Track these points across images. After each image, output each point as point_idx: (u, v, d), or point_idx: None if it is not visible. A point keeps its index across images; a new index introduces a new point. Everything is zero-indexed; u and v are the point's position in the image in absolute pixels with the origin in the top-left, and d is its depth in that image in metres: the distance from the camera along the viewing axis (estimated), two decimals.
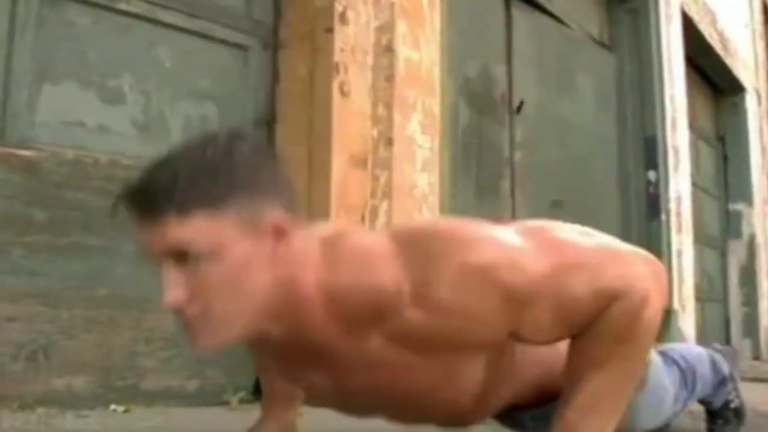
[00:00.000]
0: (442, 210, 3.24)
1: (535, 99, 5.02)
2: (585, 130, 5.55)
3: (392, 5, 3.10)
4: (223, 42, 3.01)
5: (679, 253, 5.88)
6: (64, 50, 2.60)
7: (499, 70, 4.75)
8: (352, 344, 1.26)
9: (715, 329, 8.00)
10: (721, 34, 7.88)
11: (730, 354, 2.43)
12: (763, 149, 9.67)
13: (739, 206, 8.92)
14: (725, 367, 2.23)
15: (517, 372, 1.45)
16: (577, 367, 1.31)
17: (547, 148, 5.08)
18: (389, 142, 2.99)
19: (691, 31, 6.90)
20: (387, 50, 3.07)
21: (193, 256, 1.14)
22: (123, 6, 2.72)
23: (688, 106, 6.72)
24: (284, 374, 1.51)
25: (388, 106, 3.01)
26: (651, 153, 5.87)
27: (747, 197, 8.94)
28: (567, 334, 1.32)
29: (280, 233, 1.19)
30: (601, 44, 6.06)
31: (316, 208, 2.91)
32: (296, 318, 1.24)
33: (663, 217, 5.80)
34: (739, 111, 9.00)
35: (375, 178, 2.99)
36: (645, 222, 5.83)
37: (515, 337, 1.31)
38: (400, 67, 3.08)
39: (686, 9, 6.69)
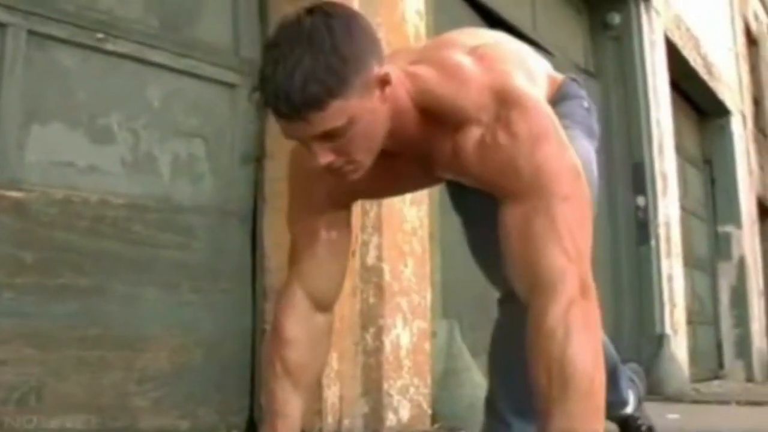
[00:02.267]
0: (432, 244, 3.25)
1: None
2: None
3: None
4: (211, 80, 3.02)
5: (670, 278, 5.91)
6: (53, 90, 2.60)
7: None
8: (434, 133, 1.57)
9: (707, 352, 8.03)
10: (705, 59, 7.95)
11: (638, 374, 2.48)
12: (749, 171, 9.74)
13: (727, 228, 8.98)
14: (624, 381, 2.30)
15: None
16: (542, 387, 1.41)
17: None
18: None
19: (675, 56, 6.97)
20: None
21: (335, 131, 1.40)
22: (110, 46, 2.73)
23: (674, 130, 6.77)
24: (380, 183, 1.72)
25: None
26: (639, 179, 5.91)
27: (735, 219, 9.00)
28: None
29: (385, 82, 1.45)
30: (586, 72, 6.11)
31: None
32: (400, 129, 1.54)
33: (652, 242, 5.83)
34: (725, 134, 9.08)
35: (365, 213, 3.00)
36: (635, 248, 5.86)
37: None
38: None
39: (670, 35, 6.76)
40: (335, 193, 1.75)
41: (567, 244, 1.43)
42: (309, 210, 1.78)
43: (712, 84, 8.20)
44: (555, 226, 1.44)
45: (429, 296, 3.17)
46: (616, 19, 6.08)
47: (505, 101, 1.50)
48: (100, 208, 2.66)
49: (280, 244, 3.01)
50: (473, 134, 1.52)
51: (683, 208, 7.27)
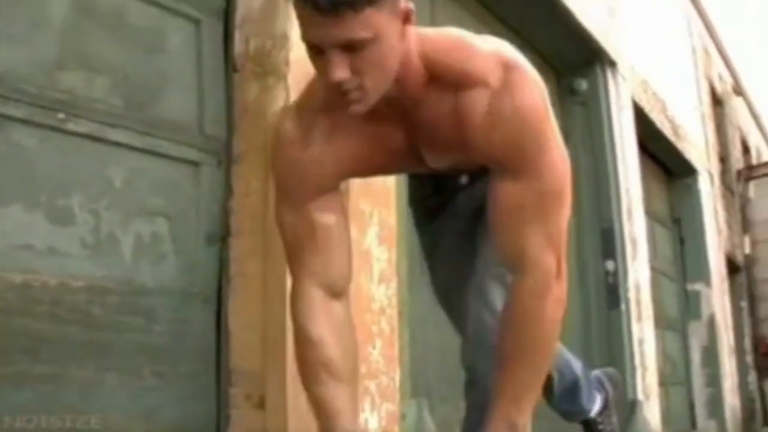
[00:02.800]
0: (401, 322, 3.20)
1: None
2: None
3: None
4: (175, 159, 2.97)
5: (641, 342, 5.88)
6: (11, 172, 2.55)
7: None
8: (435, 98, 1.62)
9: (680, 413, 7.99)
10: (671, 121, 8.03)
11: (612, 379, 2.53)
12: (718, 229, 9.81)
13: (697, 287, 9.01)
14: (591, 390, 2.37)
15: None
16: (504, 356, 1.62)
17: None
18: None
19: (642, 119, 7.03)
20: None
21: (359, 43, 1.43)
22: (71, 126, 2.68)
23: (643, 190, 6.80)
24: (372, 142, 1.74)
25: None
26: (608, 244, 5.90)
27: (705, 277, 9.03)
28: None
29: (408, 17, 1.52)
30: None
31: (270, 324, 2.86)
32: (404, 83, 1.59)
33: (623, 306, 5.80)
34: (693, 192, 9.15)
35: None
36: (605, 312, 5.83)
37: None
38: (355, 180, 3.06)
39: (637, 99, 6.82)
40: (322, 174, 1.74)
41: (552, 229, 1.60)
42: (301, 199, 1.75)
43: (679, 145, 8.27)
44: (544, 210, 1.60)
45: (398, 377, 3.10)
46: (583, 85, 6.11)
47: (511, 68, 1.60)
48: (59, 292, 2.59)
49: (246, 325, 2.96)
50: (480, 97, 1.59)
51: (653, 268, 7.27)
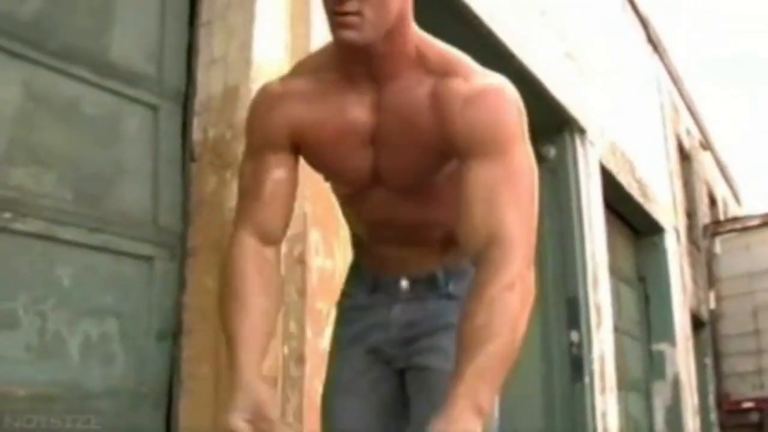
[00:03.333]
0: None
1: None
2: None
3: (305, 215, 3.01)
4: (127, 254, 2.87)
5: (604, 415, 5.82)
6: None
7: None
8: (416, 80, 1.65)
9: None
10: (639, 182, 8.04)
11: None
12: (683, 287, 9.83)
13: (662, 346, 9.00)
14: None
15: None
16: (468, 339, 1.49)
17: None
18: (301, 359, 2.87)
19: (610, 181, 7.02)
20: (299, 262, 2.97)
21: None
22: (19, 226, 2.58)
23: (609, 250, 6.78)
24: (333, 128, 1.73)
25: (300, 322, 2.90)
26: (573, 313, 5.85)
27: (669, 337, 9.04)
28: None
29: None
30: None
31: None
32: (395, 40, 1.62)
33: (587, 379, 5.74)
34: (659, 251, 9.18)
35: (286, 400, 2.85)
36: (569, 385, 5.76)
37: None
38: (313, 280, 2.98)
39: (605, 162, 6.81)
40: (280, 128, 1.76)
41: (525, 211, 1.58)
42: (259, 150, 1.78)
43: (647, 205, 8.28)
44: (518, 192, 1.57)
45: None
46: (551, 151, 6.09)
47: (498, 79, 1.63)
48: (2, 402, 2.47)
49: (197, 428, 2.85)
50: (461, 84, 1.61)
51: (617, 329, 7.24)
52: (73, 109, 2.84)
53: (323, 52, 1.79)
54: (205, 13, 3.28)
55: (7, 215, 2.57)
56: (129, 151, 2.98)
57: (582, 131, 6.23)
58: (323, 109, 1.72)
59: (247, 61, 3.10)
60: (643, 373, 8.68)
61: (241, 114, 2.99)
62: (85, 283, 2.76)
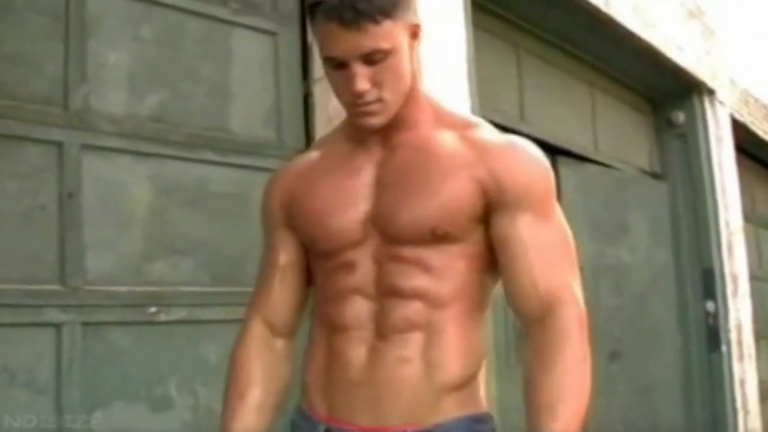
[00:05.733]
0: None
1: (589, 253, 4.96)
2: (641, 269, 5.48)
3: None
4: None
5: (742, 383, 5.77)
6: (110, 373, 2.66)
7: None
8: (437, 134, 1.62)
9: None
10: None
11: None
12: None
13: None
14: None
15: None
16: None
17: (602, 300, 5.04)
18: None
19: (743, 131, 6.79)
20: None
21: (379, 54, 1.48)
22: (163, 317, 2.78)
23: (746, 197, 6.58)
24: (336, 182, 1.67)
25: None
26: (708, 283, 5.77)
27: None
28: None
29: (417, 34, 1.57)
30: (652, 174, 5.99)
31: None
32: (412, 100, 1.60)
33: (723, 348, 5.69)
34: None
35: None
36: (706, 354, 5.73)
37: None
38: None
39: (737, 115, 6.58)
40: (284, 206, 1.72)
41: (577, 275, 1.55)
42: (268, 231, 1.77)
43: None
44: (571, 254, 1.55)
45: None
46: (680, 117, 5.93)
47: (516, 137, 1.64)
48: None
49: None
50: (492, 134, 1.61)
51: (757, 278, 7.09)
52: (200, 192, 2.98)
53: (341, 126, 1.75)
54: (317, 69, 3.32)
55: (152, 309, 2.76)
56: (258, 223, 3.11)
57: (711, 92, 6.03)
58: (323, 170, 1.68)
59: None
60: None
61: None
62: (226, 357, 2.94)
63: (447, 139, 1.59)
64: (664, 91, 5.94)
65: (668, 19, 5.46)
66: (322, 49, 1.53)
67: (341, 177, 1.65)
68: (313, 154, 1.75)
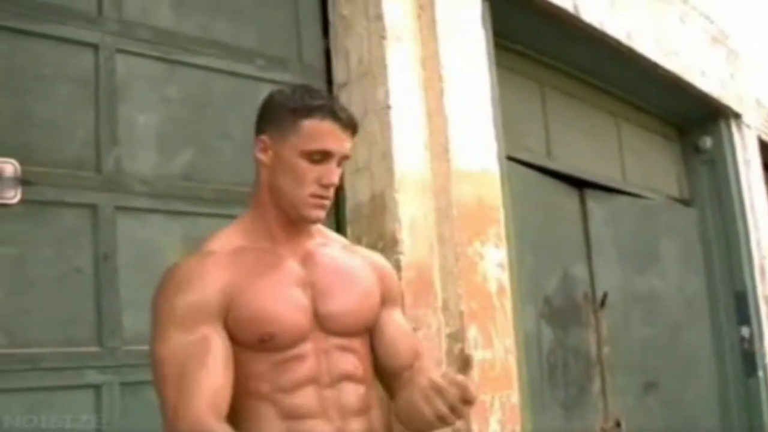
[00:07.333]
0: None
1: (619, 284, 4.98)
2: (673, 297, 5.46)
3: (461, 313, 3.13)
4: None
5: None
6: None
7: (579, 270, 4.72)
8: (332, 251, 1.95)
9: None
10: None
11: None
12: None
13: None
14: None
15: None
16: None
17: (634, 330, 5.03)
18: None
19: None
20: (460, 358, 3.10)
21: (345, 160, 1.82)
22: None
23: None
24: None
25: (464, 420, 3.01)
26: (742, 308, 5.72)
27: None
28: None
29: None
30: (681, 201, 5.98)
31: None
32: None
33: (760, 373, 5.64)
34: None
35: None
36: (742, 380, 5.68)
37: None
38: (474, 375, 3.10)
39: (765, 136, 6.55)
40: (215, 298, 1.71)
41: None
42: (195, 322, 1.68)
43: None
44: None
45: None
46: (707, 142, 5.92)
47: None
48: None
49: None
50: (358, 248, 2.12)
51: None
52: None
53: (239, 225, 1.88)
54: None
55: None
56: None
57: (737, 116, 6.01)
58: (255, 267, 1.77)
59: (389, 170, 3.20)
60: None
61: (390, 225, 3.12)
62: None
63: (337, 247, 1.97)
64: (690, 117, 5.94)
65: (691, 46, 5.47)
66: (310, 143, 1.76)
67: (277, 275, 1.81)
68: (223, 253, 1.78)
